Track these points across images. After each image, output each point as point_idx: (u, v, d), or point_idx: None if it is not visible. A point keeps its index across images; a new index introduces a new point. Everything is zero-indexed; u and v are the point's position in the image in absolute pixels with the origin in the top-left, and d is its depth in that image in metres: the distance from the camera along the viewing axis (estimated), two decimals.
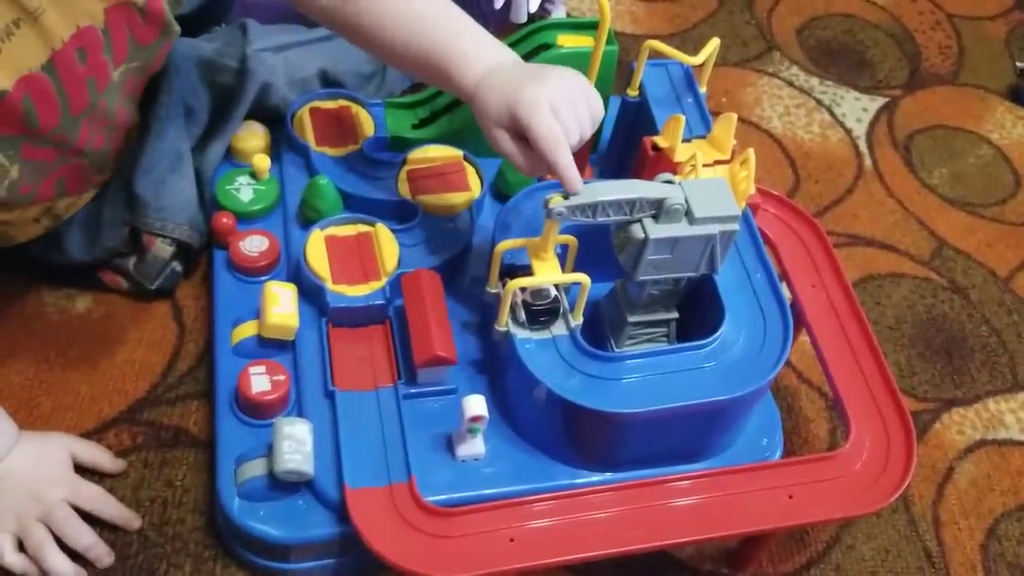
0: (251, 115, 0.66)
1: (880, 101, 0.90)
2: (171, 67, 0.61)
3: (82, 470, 0.55)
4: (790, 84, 0.90)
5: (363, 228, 0.60)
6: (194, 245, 0.62)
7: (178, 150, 0.61)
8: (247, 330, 0.57)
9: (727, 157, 0.59)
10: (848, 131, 0.87)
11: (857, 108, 0.89)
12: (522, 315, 0.52)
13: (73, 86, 0.48)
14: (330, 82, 0.69)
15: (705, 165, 0.58)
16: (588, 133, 0.51)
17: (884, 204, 0.82)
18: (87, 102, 0.50)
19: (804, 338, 0.61)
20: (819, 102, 0.89)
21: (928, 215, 0.81)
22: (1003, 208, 0.83)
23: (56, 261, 0.61)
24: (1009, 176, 0.86)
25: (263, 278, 0.60)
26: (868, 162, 0.85)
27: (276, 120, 0.67)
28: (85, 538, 0.52)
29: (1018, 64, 0.94)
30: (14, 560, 0.51)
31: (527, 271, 0.52)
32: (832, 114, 0.88)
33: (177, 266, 0.63)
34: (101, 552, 0.53)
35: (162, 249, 0.61)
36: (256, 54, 0.64)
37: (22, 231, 0.57)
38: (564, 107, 0.49)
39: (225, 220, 0.61)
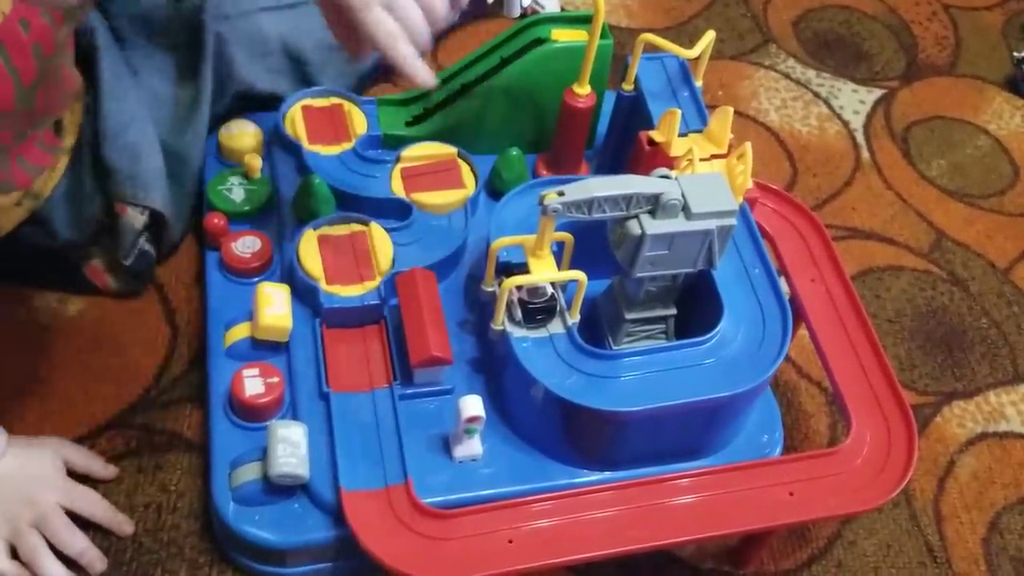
0: (235, 108, 0.65)
1: (877, 93, 0.90)
2: (100, 28, 0.60)
3: (75, 476, 0.55)
4: (787, 77, 0.90)
5: (357, 227, 0.60)
6: (166, 216, 0.61)
7: (135, 113, 0.60)
8: (240, 332, 0.56)
9: (724, 151, 0.59)
10: (845, 123, 0.87)
11: (854, 100, 0.89)
12: (518, 314, 0.52)
13: (21, 59, 0.48)
14: (293, 58, 0.67)
15: (702, 159, 0.57)
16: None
17: (882, 196, 0.81)
18: (36, 71, 0.49)
19: (803, 332, 0.60)
20: (816, 94, 0.89)
21: (927, 207, 0.81)
22: (1002, 199, 0.83)
23: (49, 245, 0.60)
24: (1007, 167, 0.86)
25: (256, 279, 0.59)
26: (866, 154, 0.84)
27: (263, 112, 0.66)
28: (78, 543, 0.52)
29: (1016, 54, 0.93)
30: (7, 567, 0.51)
31: (523, 269, 0.52)
32: (829, 106, 0.88)
33: (147, 244, 0.61)
34: (94, 557, 0.52)
35: (134, 217, 0.60)
36: (209, 20, 0.63)
37: (6, 217, 0.56)
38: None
39: (217, 221, 0.61)
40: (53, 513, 0.52)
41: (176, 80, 0.63)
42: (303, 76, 0.69)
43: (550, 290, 0.52)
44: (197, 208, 0.66)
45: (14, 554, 0.51)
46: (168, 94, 0.63)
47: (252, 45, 0.65)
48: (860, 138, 0.86)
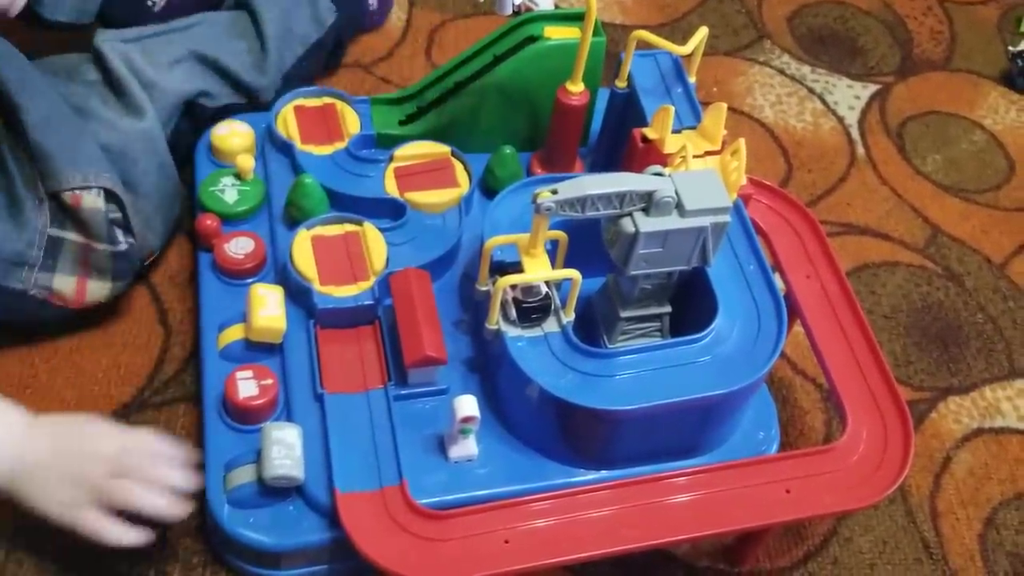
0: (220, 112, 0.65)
1: (872, 88, 0.89)
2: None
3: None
4: (781, 72, 0.90)
5: (350, 227, 0.59)
6: (121, 197, 0.58)
7: (58, 107, 0.57)
8: (234, 334, 0.56)
9: (717, 148, 0.58)
10: (840, 119, 0.86)
11: (849, 96, 0.89)
12: (513, 313, 0.51)
13: None
14: (208, 64, 0.67)
15: (695, 156, 0.57)
16: None
17: (877, 192, 0.81)
18: None
19: (798, 329, 0.60)
20: (811, 90, 0.88)
21: (922, 202, 0.81)
22: (997, 194, 0.83)
23: None
24: (1003, 161, 0.86)
25: (249, 280, 0.59)
26: (861, 150, 0.84)
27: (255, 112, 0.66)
28: (175, 476, 0.47)
29: (1011, 48, 0.93)
30: (119, 531, 0.46)
31: (517, 268, 0.52)
32: (824, 102, 0.87)
33: (122, 237, 0.58)
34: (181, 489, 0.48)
35: (92, 201, 0.56)
36: (102, 43, 0.63)
37: None
38: None
39: (210, 222, 0.60)
40: (127, 455, 0.47)
41: (100, 99, 0.62)
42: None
43: (544, 289, 0.51)
44: (184, 212, 0.65)
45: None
46: (94, 103, 0.61)
47: (156, 59, 0.64)
48: (855, 134, 0.85)
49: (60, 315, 0.59)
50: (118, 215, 0.59)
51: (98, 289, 0.59)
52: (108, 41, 0.64)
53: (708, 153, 0.58)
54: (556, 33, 0.63)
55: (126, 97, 0.62)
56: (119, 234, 0.59)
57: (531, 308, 0.51)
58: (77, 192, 0.56)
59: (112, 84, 0.63)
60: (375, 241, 0.58)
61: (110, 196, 0.58)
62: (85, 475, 0.47)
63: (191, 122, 0.67)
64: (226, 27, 0.70)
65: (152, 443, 0.49)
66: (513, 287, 0.51)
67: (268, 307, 0.55)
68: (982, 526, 0.62)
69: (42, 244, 0.56)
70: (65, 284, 0.58)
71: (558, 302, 0.52)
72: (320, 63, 0.76)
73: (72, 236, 0.57)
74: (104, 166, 0.58)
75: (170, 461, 0.49)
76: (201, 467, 0.50)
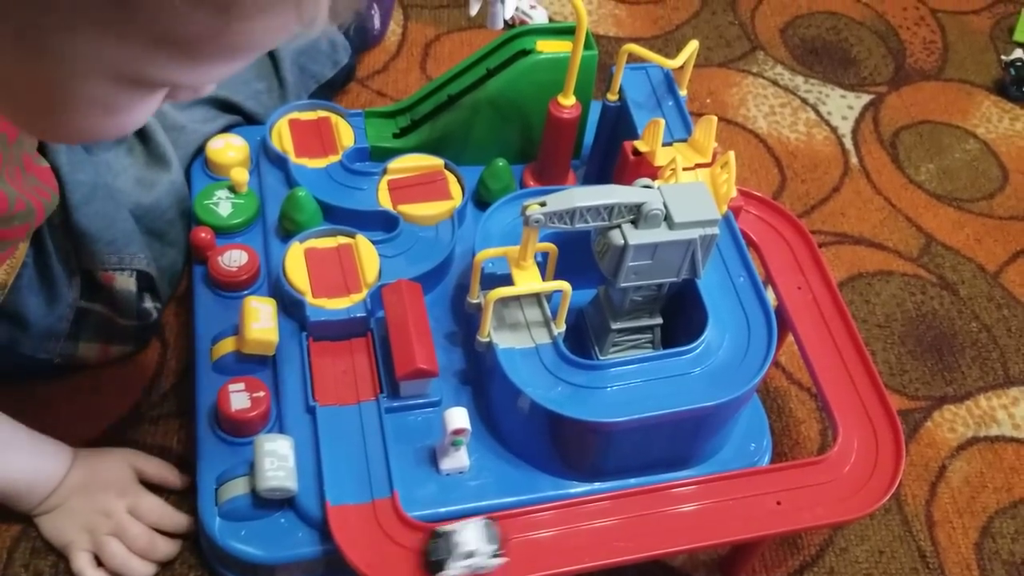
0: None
1: (865, 98, 0.90)
2: None
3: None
4: (775, 83, 0.90)
5: (343, 240, 0.60)
6: (152, 274, 0.60)
7: (97, 183, 0.58)
8: (227, 346, 0.56)
9: (708, 160, 0.59)
10: (834, 129, 0.87)
11: (842, 106, 0.89)
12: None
13: None
14: (228, 107, 0.68)
15: (686, 168, 0.57)
16: None
17: (871, 202, 0.81)
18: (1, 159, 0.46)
19: (792, 338, 0.60)
20: (804, 101, 0.89)
21: (916, 211, 0.81)
22: (991, 203, 0.83)
23: (24, 346, 0.56)
24: (996, 170, 0.86)
25: (243, 293, 0.59)
26: (854, 160, 0.84)
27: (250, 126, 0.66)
28: (160, 550, 0.53)
29: (1004, 57, 0.93)
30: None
31: (509, 280, 0.52)
32: (817, 113, 0.88)
33: (149, 303, 0.60)
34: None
35: (124, 282, 0.58)
36: None
37: None
38: None
39: (204, 235, 0.61)
40: (130, 522, 0.52)
41: (127, 148, 0.63)
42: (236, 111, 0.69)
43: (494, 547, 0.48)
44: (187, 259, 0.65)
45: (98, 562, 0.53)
46: (124, 162, 0.62)
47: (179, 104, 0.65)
48: (848, 143, 0.86)
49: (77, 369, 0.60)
50: (147, 292, 0.60)
51: (121, 351, 0.61)
52: None
53: (699, 166, 0.59)
54: (548, 47, 0.63)
55: (151, 144, 0.63)
56: (148, 304, 0.60)
57: None
58: (111, 272, 0.58)
59: (138, 131, 0.62)
60: (368, 253, 0.59)
61: (142, 275, 0.59)
62: (92, 525, 0.52)
63: None
64: (245, 69, 0.70)
65: (157, 512, 0.54)
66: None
67: (261, 320, 0.55)
68: (978, 535, 0.62)
69: (71, 316, 0.58)
70: (89, 351, 0.60)
71: (549, 313, 0.53)
72: (328, 92, 0.77)
73: (99, 308, 0.59)
74: (139, 246, 0.59)
75: (165, 536, 0.54)
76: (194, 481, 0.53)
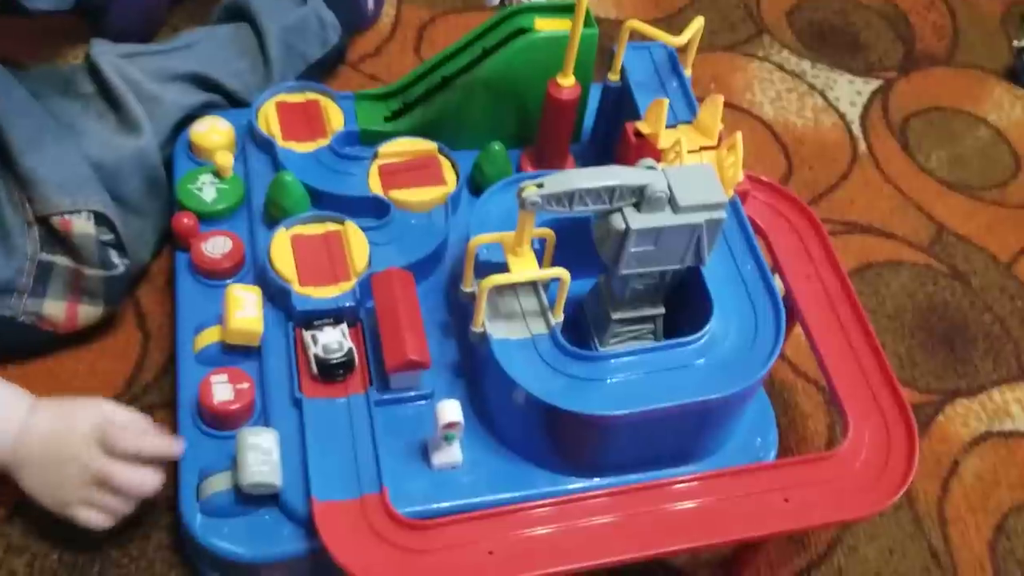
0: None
1: (874, 84, 0.88)
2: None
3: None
4: (781, 68, 0.88)
5: (332, 226, 0.58)
6: (113, 220, 0.57)
7: (47, 126, 0.56)
8: (210, 336, 0.54)
9: (714, 143, 0.56)
10: (842, 115, 0.84)
11: (851, 91, 0.87)
12: (315, 369, 0.51)
13: None
14: (209, 85, 0.67)
15: (690, 151, 0.55)
16: None
17: (881, 189, 0.79)
18: None
19: (799, 330, 0.58)
20: (811, 86, 0.86)
21: (926, 200, 0.79)
22: (1003, 191, 0.81)
23: None
24: (1008, 158, 0.84)
25: (227, 281, 0.57)
26: (863, 147, 0.82)
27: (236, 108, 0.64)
28: (150, 482, 0.50)
29: (1015, 43, 0.91)
30: (99, 519, 0.50)
31: (504, 268, 0.50)
32: (825, 98, 0.86)
33: (116, 258, 0.57)
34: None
35: (83, 226, 0.55)
36: (98, 55, 0.62)
37: None
38: None
39: (186, 221, 0.58)
40: (112, 466, 0.49)
41: (96, 114, 0.61)
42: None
43: (348, 344, 0.51)
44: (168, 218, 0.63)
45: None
46: (94, 126, 0.60)
47: (156, 75, 0.63)
48: (856, 130, 0.83)
49: (48, 339, 0.58)
50: (110, 236, 0.57)
51: (90, 313, 0.58)
52: (104, 54, 0.62)
53: (704, 148, 0.56)
54: (547, 25, 0.61)
55: (122, 111, 0.61)
56: (113, 256, 0.57)
57: (336, 364, 0.51)
58: (67, 216, 0.55)
59: (108, 97, 0.61)
60: (357, 241, 0.57)
61: (101, 219, 0.56)
62: (79, 480, 0.49)
63: None
64: (228, 44, 0.68)
65: (134, 444, 0.50)
66: (315, 341, 0.51)
67: (245, 309, 0.53)
68: (992, 533, 0.60)
69: (32, 271, 0.55)
70: (55, 309, 0.57)
71: (546, 303, 0.50)
72: (318, 75, 0.75)
73: (63, 261, 0.56)
74: (94, 187, 0.56)
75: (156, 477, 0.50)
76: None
